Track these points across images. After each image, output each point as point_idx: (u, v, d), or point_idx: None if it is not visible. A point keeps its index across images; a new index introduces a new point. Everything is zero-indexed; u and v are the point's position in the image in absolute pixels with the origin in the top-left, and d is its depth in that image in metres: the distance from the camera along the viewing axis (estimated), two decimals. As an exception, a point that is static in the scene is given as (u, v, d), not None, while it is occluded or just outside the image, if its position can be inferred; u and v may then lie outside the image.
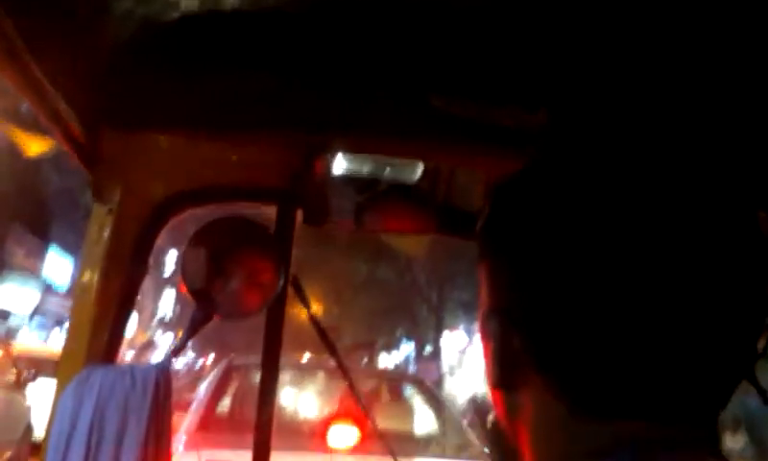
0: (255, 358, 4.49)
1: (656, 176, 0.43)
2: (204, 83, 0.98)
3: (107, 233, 0.99)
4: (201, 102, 1.02)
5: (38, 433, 8.56)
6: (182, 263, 1.02)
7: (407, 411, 4.70)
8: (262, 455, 1.19)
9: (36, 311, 18.69)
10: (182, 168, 1.07)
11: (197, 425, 4.19)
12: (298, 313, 1.37)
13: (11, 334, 16.11)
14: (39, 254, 18.22)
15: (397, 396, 5.00)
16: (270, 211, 1.15)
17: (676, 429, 0.42)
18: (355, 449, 3.75)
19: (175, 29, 0.84)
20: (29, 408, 8.35)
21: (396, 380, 5.71)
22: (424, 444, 4.36)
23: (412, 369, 27.33)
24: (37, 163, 16.33)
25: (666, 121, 0.50)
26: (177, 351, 1.05)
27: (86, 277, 0.99)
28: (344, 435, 3.80)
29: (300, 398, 4.89)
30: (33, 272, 17.98)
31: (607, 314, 0.41)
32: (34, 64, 0.81)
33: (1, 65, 0.79)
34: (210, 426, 4.24)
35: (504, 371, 0.46)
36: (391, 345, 27.82)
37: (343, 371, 1.40)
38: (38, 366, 8.91)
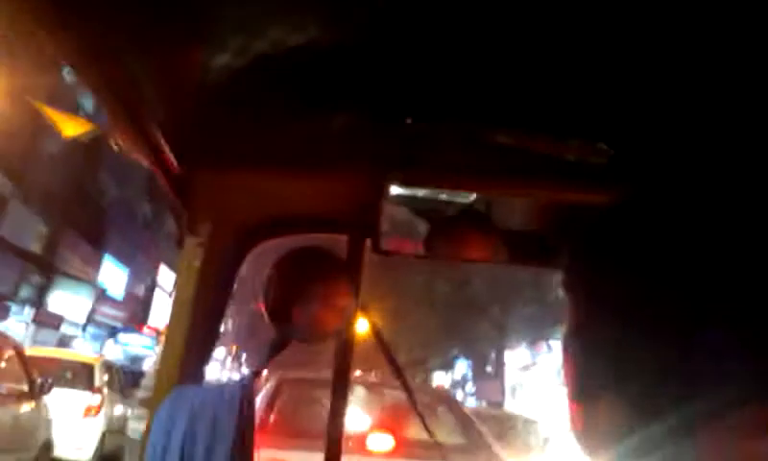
0: (303, 373, 4.89)
1: (736, 213, 0.49)
2: (284, 123, 1.13)
3: (197, 263, 1.15)
4: (280, 140, 1.17)
5: (60, 451, 7.92)
6: (264, 290, 1.16)
7: (438, 425, 5.06)
8: (334, 455, 1.32)
9: (89, 320, 19.23)
10: (264, 202, 1.22)
11: (256, 429, 4.52)
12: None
13: (64, 343, 16.70)
14: (94, 262, 18.67)
15: (431, 411, 5.33)
16: (342, 241, 1.28)
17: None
18: (391, 454, 4.47)
19: (257, 74, 0.99)
20: (48, 422, 7.51)
21: (431, 396, 6.05)
22: (452, 454, 4.82)
23: (469, 388, 27.09)
24: (95, 171, 17.06)
25: (733, 153, 0.58)
26: (258, 371, 1.20)
27: (179, 303, 1.15)
28: (382, 442, 4.52)
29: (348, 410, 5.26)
30: (87, 280, 18.33)
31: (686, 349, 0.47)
32: (138, 106, 0.96)
33: (109, 107, 0.95)
34: (267, 431, 4.56)
35: (582, 386, 0.53)
36: (446, 363, 27.62)
37: (406, 388, 1.50)
38: (54, 373, 8.06)
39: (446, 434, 4.97)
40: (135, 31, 0.85)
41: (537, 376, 20.59)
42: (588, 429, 0.54)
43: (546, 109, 1.05)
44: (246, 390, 1.10)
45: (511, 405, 19.88)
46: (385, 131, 1.13)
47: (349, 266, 1.26)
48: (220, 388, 1.10)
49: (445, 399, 5.90)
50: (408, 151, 1.19)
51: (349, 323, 1.28)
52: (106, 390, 9.31)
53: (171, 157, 1.11)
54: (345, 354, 1.32)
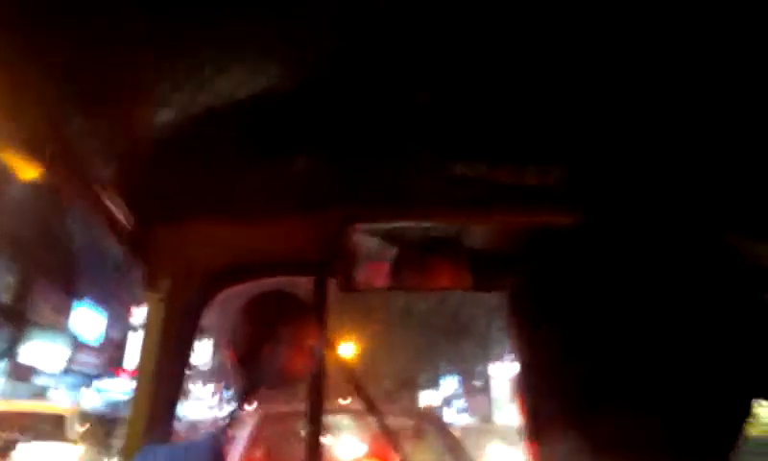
0: (286, 407, 4.88)
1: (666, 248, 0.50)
2: (238, 170, 1.13)
3: (160, 320, 1.15)
4: (236, 187, 1.17)
5: None
6: (232, 337, 1.17)
7: (425, 448, 5.14)
8: None
9: (66, 370, 18.82)
10: (224, 250, 1.22)
11: None
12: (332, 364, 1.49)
13: (40, 394, 16.29)
14: (66, 308, 18.36)
15: (419, 432, 5.34)
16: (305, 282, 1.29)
17: None
18: None
19: (209, 124, 1.00)
20: None
21: (417, 418, 6.16)
22: None
23: (459, 404, 27.01)
24: (62, 215, 16.78)
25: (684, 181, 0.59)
26: (230, 423, 1.19)
27: (145, 359, 1.15)
28: None
29: (333, 439, 5.25)
30: (60, 327, 17.98)
31: (635, 368, 0.48)
32: (86, 165, 0.96)
33: (56, 172, 0.95)
34: None
35: (536, 424, 0.54)
36: (434, 381, 27.51)
37: (378, 420, 1.50)
38: (26, 427, 7.96)
39: (434, 457, 4.96)
40: (81, 88, 0.85)
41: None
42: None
43: (505, 137, 1.07)
44: (216, 446, 1.09)
45: (499, 418, 19.87)
46: (344, 169, 1.14)
47: (316, 307, 1.26)
48: (187, 447, 1.09)
49: (432, 420, 5.90)
50: (368, 186, 1.20)
51: (320, 363, 1.29)
52: (82, 443, 9.02)
53: (124, 213, 1.11)
54: (317, 395, 1.32)
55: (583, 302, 0.51)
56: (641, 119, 0.99)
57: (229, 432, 1.14)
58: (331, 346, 1.31)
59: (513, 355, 0.58)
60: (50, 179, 1.00)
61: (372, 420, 5.49)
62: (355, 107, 0.98)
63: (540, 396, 0.54)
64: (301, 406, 4.79)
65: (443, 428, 5.82)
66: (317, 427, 1.37)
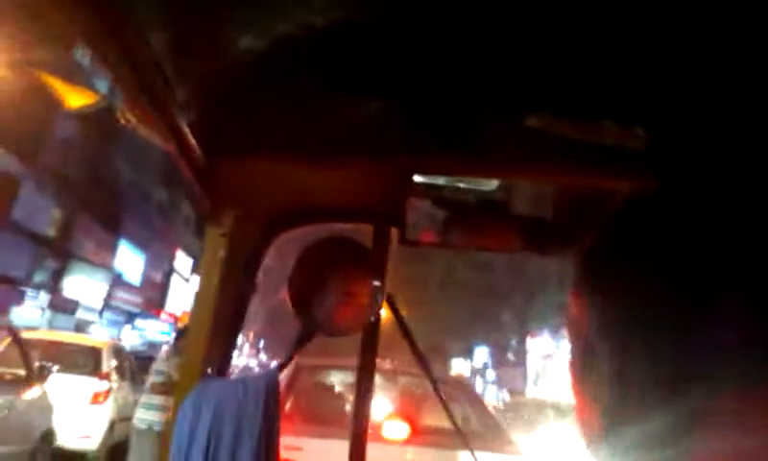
0: (320, 360, 5.00)
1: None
2: (308, 110, 1.12)
3: (221, 255, 1.15)
4: (305, 129, 1.16)
5: (64, 440, 7.57)
6: (290, 282, 1.17)
7: (457, 412, 5.21)
8: (359, 449, 1.33)
9: (105, 305, 19.46)
10: (287, 191, 1.21)
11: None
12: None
13: (81, 328, 16.91)
14: (109, 247, 18.88)
15: (447, 400, 5.46)
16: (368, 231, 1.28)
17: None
18: (408, 441, 4.63)
19: (283, 59, 0.98)
20: (49, 409, 7.04)
21: (445, 385, 6.29)
22: (467, 438, 4.85)
23: (491, 376, 27.15)
24: (109, 154, 17.21)
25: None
26: (284, 364, 1.20)
27: (203, 294, 1.15)
28: (397, 429, 4.69)
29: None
30: (102, 264, 18.56)
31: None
32: (160, 90, 0.96)
33: (127, 91, 0.95)
34: (284, 417, 4.66)
35: (612, 399, 0.52)
36: (467, 349, 27.71)
37: (429, 378, 1.50)
38: (60, 358, 7.78)
39: (463, 423, 5.03)
40: (158, 10, 0.84)
41: (559, 364, 20.57)
42: (590, 421, 0.54)
43: (577, 93, 1.04)
44: (271, 384, 1.10)
45: (533, 393, 19.94)
46: (411, 118, 1.12)
47: (375, 257, 1.25)
48: (245, 381, 1.10)
49: (462, 388, 5.96)
50: (434, 138, 1.18)
51: (376, 315, 1.28)
52: (115, 376, 9.03)
53: (194, 144, 1.11)
54: (370, 347, 1.32)
55: (668, 266, 0.50)
56: (722, 84, 0.94)
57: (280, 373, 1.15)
58: (390, 298, 1.30)
59: (564, 327, 0.57)
60: (122, 105, 1.01)
61: (396, 379, 5.54)
62: (430, 53, 0.95)
63: (620, 367, 0.52)
64: (337, 360, 4.91)
65: (475, 397, 5.91)
66: (369, 382, 1.35)
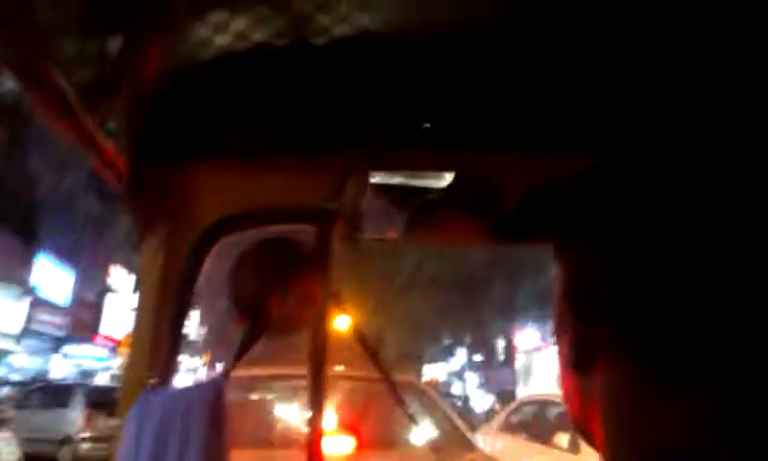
0: (241, 371, 4.97)
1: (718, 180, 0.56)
2: (244, 114, 1.22)
3: (158, 264, 1.26)
4: (241, 132, 1.27)
5: None
6: (231, 283, 1.28)
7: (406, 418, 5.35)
8: None
9: (25, 330, 18.80)
10: (225, 196, 1.32)
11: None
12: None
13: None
14: (23, 260, 18.21)
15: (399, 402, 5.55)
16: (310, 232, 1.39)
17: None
18: (354, 458, 4.62)
19: (214, 66, 1.09)
20: None
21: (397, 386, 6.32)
22: (423, 450, 5.12)
23: (475, 379, 27.16)
24: (23, 158, 16.52)
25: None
26: (228, 371, 1.32)
27: (143, 307, 1.26)
28: (343, 445, 4.67)
29: (292, 409, 5.52)
30: (17, 281, 17.89)
31: (685, 293, 0.54)
32: (84, 112, 1.06)
33: (54, 115, 1.05)
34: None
35: (579, 353, 0.61)
36: (444, 353, 27.66)
37: (390, 385, 1.60)
38: None
39: (417, 428, 5.14)
40: (73, 17, 0.91)
41: (549, 355, 20.58)
42: (584, 397, 0.62)
43: (522, 78, 1.17)
44: (216, 391, 1.22)
45: (523, 392, 19.93)
46: (349, 115, 1.23)
47: (318, 257, 1.37)
48: (189, 390, 1.21)
49: (415, 390, 6.03)
50: (376, 134, 1.28)
51: (322, 315, 1.40)
52: None
53: (120, 153, 1.19)
54: (320, 348, 1.43)
55: (634, 234, 0.58)
56: (657, 61, 1.08)
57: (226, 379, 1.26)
58: (335, 299, 1.41)
59: (552, 310, 0.65)
60: (38, 107, 1.05)
61: (339, 385, 5.45)
62: (363, 52, 1.08)
63: (584, 325, 0.61)
64: (258, 371, 4.82)
65: (430, 402, 6.02)
66: (319, 390, 1.44)
